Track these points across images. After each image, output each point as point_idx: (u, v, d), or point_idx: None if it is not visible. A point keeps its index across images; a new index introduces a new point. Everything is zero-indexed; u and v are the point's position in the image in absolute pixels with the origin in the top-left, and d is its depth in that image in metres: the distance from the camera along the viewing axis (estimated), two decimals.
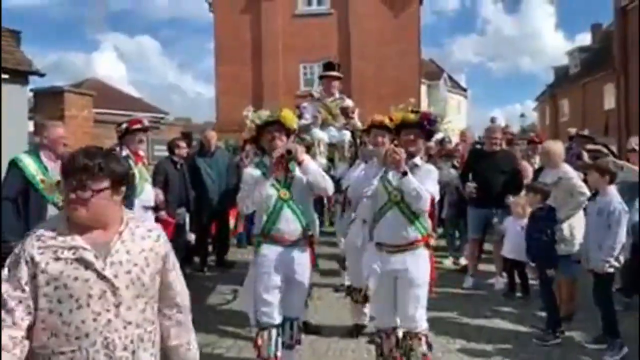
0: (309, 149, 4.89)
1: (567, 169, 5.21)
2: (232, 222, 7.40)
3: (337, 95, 5.61)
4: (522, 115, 32.49)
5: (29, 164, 4.02)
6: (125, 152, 4.85)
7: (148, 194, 4.97)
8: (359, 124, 5.29)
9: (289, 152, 3.33)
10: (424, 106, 25.23)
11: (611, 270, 4.26)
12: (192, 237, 7.32)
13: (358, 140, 5.29)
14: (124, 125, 4.86)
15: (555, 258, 4.62)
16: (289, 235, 3.42)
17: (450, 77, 40.80)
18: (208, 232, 7.25)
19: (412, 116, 3.50)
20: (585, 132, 8.96)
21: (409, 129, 3.50)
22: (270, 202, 3.41)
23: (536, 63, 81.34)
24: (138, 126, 4.88)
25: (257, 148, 3.80)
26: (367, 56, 19.15)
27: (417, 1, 20.46)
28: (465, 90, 44.23)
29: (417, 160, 3.52)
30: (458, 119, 34.88)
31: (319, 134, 5.30)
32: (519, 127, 27.41)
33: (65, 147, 4.14)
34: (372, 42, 19.39)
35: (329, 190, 3.57)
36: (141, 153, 5.00)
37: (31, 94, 7.97)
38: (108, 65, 64.84)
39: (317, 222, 3.95)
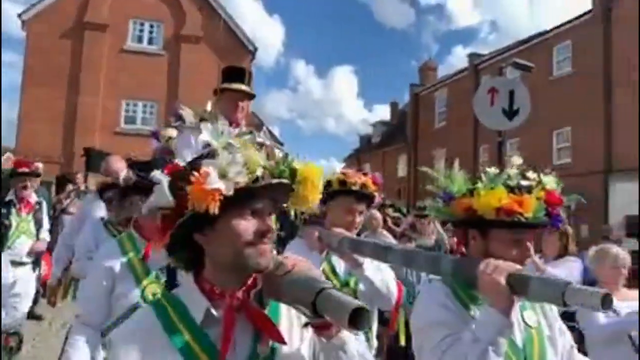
0: None
1: (386, 233, 5.94)
2: (44, 269, 6.69)
3: (243, 127, 3.29)
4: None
5: None
6: (10, 197, 4.34)
7: (22, 247, 4.45)
8: None
9: None
10: None
11: None
12: None
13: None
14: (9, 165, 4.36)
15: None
16: None
17: (269, 130, 42.87)
18: None
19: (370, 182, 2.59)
20: (384, 199, 10.38)
21: (361, 201, 2.58)
22: None
23: (339, 126, 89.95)
24: (24, 169, 4.41)
25: None
26: (194, 104, 19.19)
27: (249, 56, 21.38)
28: (282, 144, 46.68)
29: None
30: None
31: None
32: None
33: None
34: (200, 90, 19.46)
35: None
36: (30, 200, 4.48)
37: None
38: None
39: None
